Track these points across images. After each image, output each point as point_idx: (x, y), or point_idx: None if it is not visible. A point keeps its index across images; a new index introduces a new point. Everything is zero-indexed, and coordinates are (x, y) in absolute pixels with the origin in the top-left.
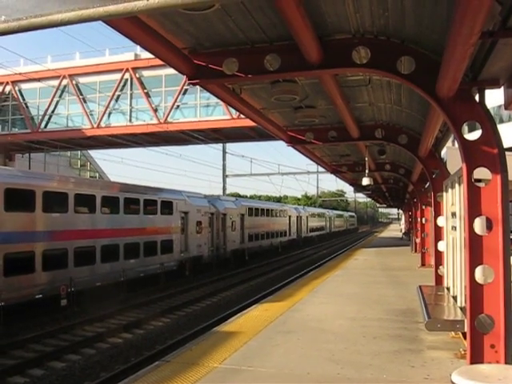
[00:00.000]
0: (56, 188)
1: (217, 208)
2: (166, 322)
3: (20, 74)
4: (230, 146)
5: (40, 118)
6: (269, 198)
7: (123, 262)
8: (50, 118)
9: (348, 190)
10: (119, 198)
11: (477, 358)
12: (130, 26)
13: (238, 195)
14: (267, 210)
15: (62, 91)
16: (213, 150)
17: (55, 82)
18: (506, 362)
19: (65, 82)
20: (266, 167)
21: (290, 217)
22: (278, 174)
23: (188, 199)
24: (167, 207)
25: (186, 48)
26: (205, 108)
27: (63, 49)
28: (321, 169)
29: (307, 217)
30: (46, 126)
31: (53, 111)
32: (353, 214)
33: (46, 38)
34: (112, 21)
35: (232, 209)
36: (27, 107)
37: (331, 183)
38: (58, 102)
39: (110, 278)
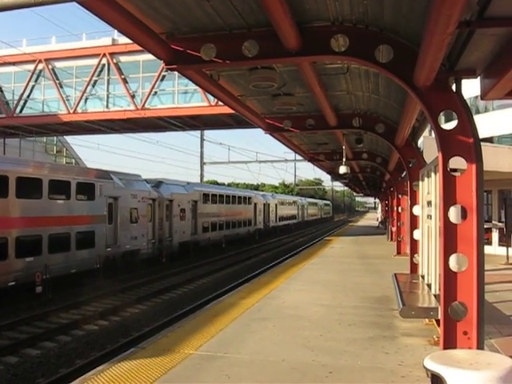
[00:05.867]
0: None
1: (160, 193)
2: (143, 308)
3: None
4: (207, 134)
5: (15, 102)
6: (246, 186)
7: (14, 262)
8: (25, 103)
9: (325, 178)
10: (8, 178)
11: (450, 344)
12: (106, 8)
13: (215, 182)
14: (227, 196)
15: (38, 76)
16: (191, 137)
17: (31, 67)
18: (478, 349)
19: (40, 66)
20: (243, 155)
21: (255, 204)
22: (256, 162)
23: (118, 182)
24: (86, 190)
25: (163, 33)
26: (183, 95)
27: (38, 32)
28: (298, 157)
29: (276, 204)
30: (21, 111)
31: (28, 96)
32: (328, 202)
33: (21, 21)
34: (88, 3)
35: (181, 194)
36: (2, 92)
37: (309, 171)
38: (33, 87)
39: None
